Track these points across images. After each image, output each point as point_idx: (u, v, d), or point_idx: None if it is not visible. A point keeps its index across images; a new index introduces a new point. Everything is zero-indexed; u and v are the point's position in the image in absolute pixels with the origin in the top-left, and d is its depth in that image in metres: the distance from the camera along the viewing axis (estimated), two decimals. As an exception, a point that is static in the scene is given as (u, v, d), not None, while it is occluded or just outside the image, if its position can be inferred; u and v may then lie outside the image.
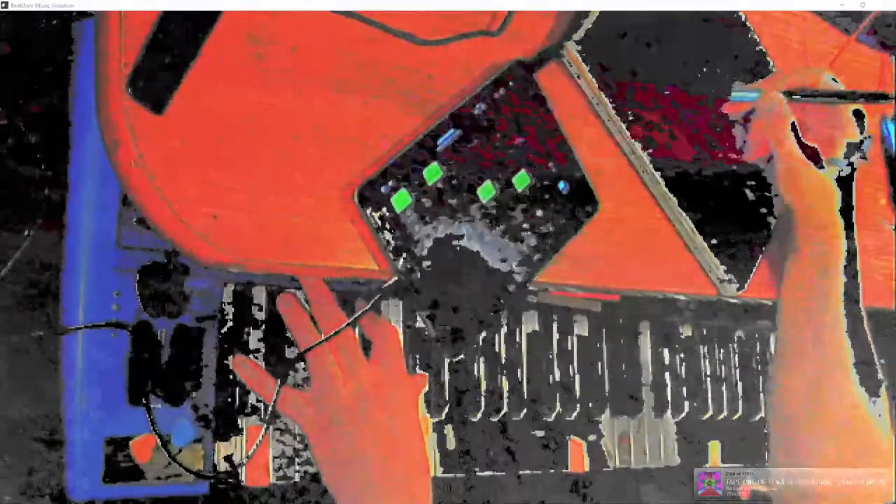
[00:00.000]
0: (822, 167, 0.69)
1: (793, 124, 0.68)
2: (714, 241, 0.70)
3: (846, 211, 0.69)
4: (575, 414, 0.79)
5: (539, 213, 0.62)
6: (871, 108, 0.71)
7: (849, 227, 0.68)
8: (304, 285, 0.62)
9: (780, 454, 0.69)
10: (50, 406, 0.57)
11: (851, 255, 0.68)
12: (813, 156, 0.68)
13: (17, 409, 0.58)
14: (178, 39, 0.50)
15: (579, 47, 0.65)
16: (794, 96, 0.68)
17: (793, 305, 0.70)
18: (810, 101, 0.69)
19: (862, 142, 0.70)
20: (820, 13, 0.81)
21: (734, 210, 0.73)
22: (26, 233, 0.59)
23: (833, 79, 0.69)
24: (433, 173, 0.58)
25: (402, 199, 0.57)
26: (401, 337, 0.66)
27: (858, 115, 0.70)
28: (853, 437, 0.66)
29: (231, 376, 0.62)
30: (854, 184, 0.70)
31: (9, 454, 0.57)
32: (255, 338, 0.64)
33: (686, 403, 0.86)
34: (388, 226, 0.56)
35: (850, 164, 0.70)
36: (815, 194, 0.69)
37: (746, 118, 0.71)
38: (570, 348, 0.80)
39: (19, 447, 0.57)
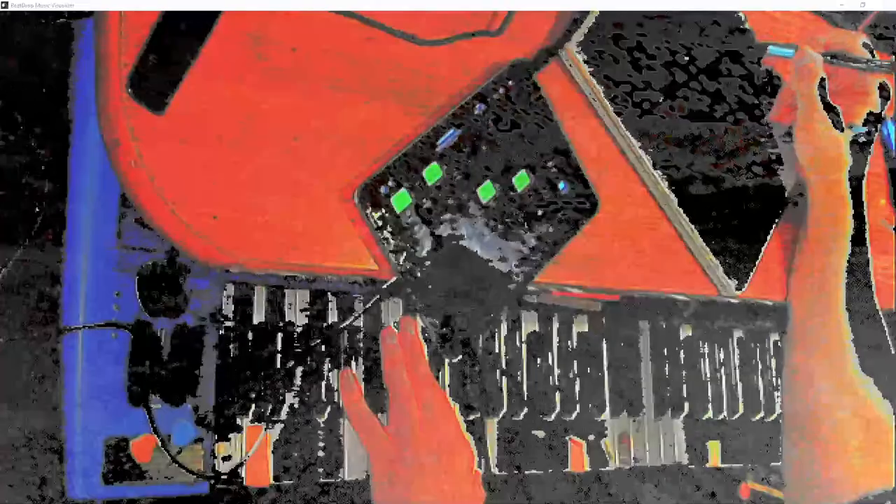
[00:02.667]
0: (841, 130, 0.70)
1: (822, 82, 0.69)
2: (714, 242, 0.70)
3: (857, 218, 0.70)
4: (575, 414, 0.78)
5: (539, 213, 0.62)
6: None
7: (860, 239, 0.70)
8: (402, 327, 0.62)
9: (797, 440, 0.69)
10: (50, 406, 0.57)
11: (863, 265, 0.69)
12: (834, 120, 0.70)
13: (17, 409, 0.58)
14: (178, 39, 0.50)
15: (579, 47, 0.65)
16: (827, 57, 0.70)
17: (802, 279, 0.71)
18: (842, 64, 0.70)
19: (880, 114, 0.71)
20: (820, 13, 0.81)
21: (735, 212, 0.73)
22: (26, 234, 0.59)
23: (867, 45, 0.71)
24: (433, 173, 0.58)
25: (402, 199, 0.56)
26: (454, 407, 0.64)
27: (883, 88, 0.72)
28: (865, 416, 0.66)
29: (230, 376, 0.62)
30: (864, 194, 0.71)
31: (9, 454, 0.57)
32: (254, 337, 0.64)
33: (686, 403, 0.86)
34: (388, 226, 0.56)
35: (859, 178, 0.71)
36: (828, 148, 0.70)
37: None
38: (570, 348, 0.80)
39: (19, 447, 0.57)
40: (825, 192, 0.71)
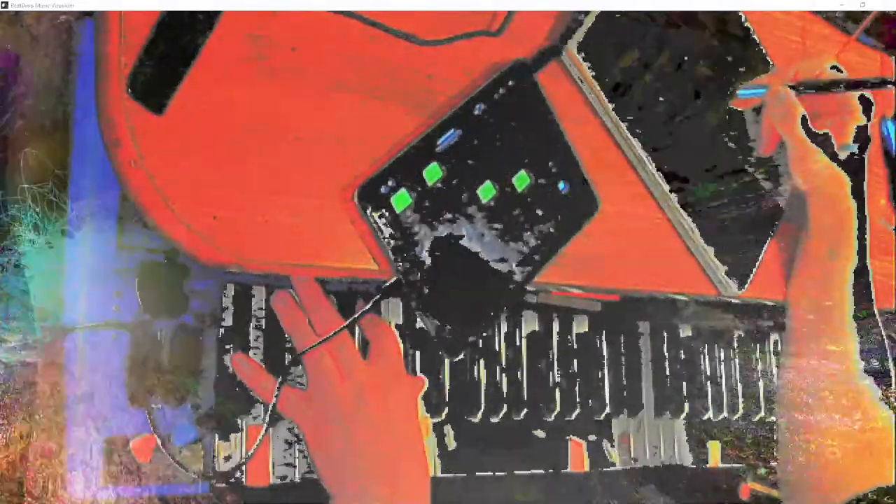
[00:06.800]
0: (834, 156, 0.70)
1: (803, 118, 0.69)
2: (714, 242, 0.70)
3: (859, 222, 0.70)
4: (575, 414, 0.78)
5: (539, 213, 0.62)
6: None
7: (861, 247, 0.70)
8: (296, 285, 0.62)
9: (789, 439, 0.69)
10: (50, 406, 0.57)
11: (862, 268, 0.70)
12: (823, 143, 0.70)
13: (17, 409, 0.58)
14: (178, 39, 0.50)
15: (579, 47, 0.65)
16: (799, 89, 0.69)
17: (802, 284, 0.71)
18: (815, 93, 0.70)
19: (867, 125, 0.71)
20: (820, 13, 0.81)
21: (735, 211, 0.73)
22: (27, 233, 0.58)
23: (836, 68, 0.70)
24: (433, 173, 0.58)
25: (402, 199, 0.56)
26: (398, 338, 0.65)
27: (864, 99, 0.72)
28: (857, 418, 0.66)
29: (230, 376, 0.62)
30: (866, 205, 0.71)
31: (9, 454, 0.57)
32: (254, 337, 0.64)
33: (686, 403, 0.86)
34: (388, 226, 0.56)
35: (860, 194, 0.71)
36: (828, 179, 0.70)
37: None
38: (570, 348, 0.80)
39: (19, 448, 0.57)
40: (826, 210, 0.71)
